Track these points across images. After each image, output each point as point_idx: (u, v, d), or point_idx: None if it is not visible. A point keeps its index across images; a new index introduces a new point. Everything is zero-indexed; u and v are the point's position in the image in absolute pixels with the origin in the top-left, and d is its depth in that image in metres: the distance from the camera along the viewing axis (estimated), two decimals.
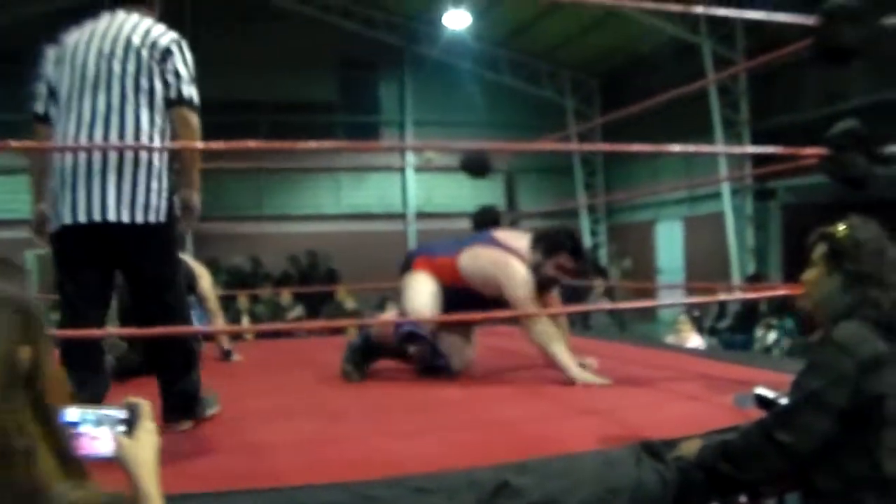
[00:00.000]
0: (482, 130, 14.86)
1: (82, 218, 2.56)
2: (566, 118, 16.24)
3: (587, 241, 16.42)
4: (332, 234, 15.00)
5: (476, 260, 3.78)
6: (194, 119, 2.68)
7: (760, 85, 12.20)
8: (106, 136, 2.57)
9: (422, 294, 3.77)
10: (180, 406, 2.71)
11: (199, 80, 2.72)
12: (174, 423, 2.68)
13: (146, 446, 1.34)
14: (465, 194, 13.94)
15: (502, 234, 3.93)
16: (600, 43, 14.74)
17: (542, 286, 3.76)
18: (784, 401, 2.11)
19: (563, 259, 3.71)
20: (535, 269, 3.69)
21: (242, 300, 8.88)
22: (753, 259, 12.65)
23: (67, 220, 2.58)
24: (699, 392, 3.27)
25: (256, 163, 10.94)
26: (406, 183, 16.59)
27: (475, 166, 5.45)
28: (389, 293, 7.29)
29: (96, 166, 2.57)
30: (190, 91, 2.67)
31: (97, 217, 2.55)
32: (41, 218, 2.80)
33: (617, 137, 11.19)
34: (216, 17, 14.95)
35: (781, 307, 8.56)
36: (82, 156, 2.58)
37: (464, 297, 3.73)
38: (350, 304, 9.49)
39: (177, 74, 2.64)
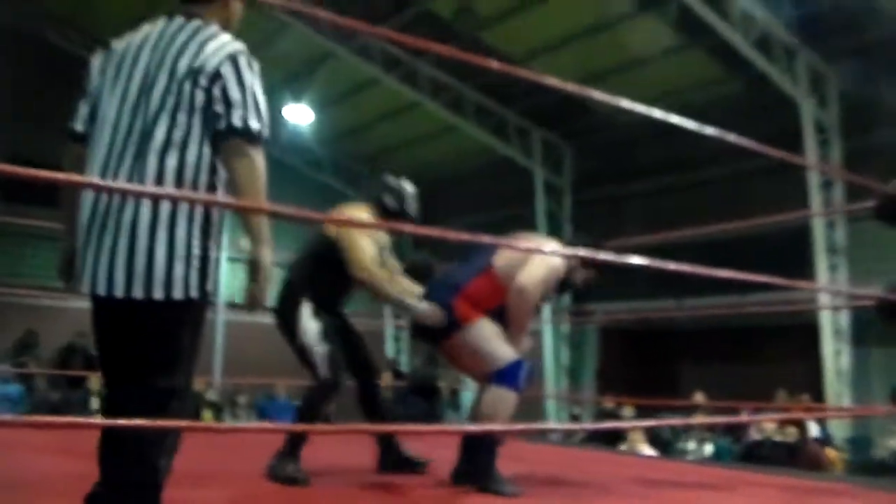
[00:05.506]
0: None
1: (86, 288, 2.05)
2: None
3: (391, 348, 16.24)
4: None
5: (511, 260, 3.58)
6: (252, 153, 2.07)
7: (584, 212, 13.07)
8: (131, 180, 2.03)
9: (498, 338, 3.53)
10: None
11: None
12: None
13: None
14: None
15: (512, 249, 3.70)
16: (429, 154, 15.14)
17: (564, 289, 3.79)
18: None
19: (591, 274, 3.76)
20: (570, 271, 3.66)
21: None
22: (566, 376, 13.13)
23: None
24: None
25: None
26: None
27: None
28: None
29: (111, 220, 2.03)
30: (244, 118, 2.06)
31: (101, 290, 2.02)
32: (68, 256, 2.20)
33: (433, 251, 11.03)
34: None
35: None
36: (102, 201, 2.05)
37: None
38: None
39: (227, 102, 2.06)
